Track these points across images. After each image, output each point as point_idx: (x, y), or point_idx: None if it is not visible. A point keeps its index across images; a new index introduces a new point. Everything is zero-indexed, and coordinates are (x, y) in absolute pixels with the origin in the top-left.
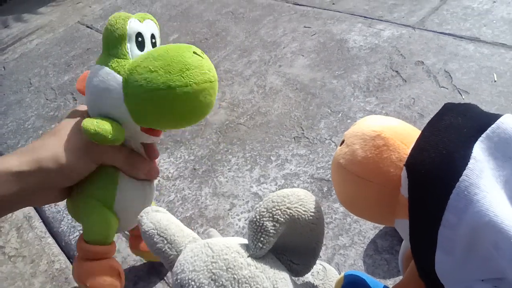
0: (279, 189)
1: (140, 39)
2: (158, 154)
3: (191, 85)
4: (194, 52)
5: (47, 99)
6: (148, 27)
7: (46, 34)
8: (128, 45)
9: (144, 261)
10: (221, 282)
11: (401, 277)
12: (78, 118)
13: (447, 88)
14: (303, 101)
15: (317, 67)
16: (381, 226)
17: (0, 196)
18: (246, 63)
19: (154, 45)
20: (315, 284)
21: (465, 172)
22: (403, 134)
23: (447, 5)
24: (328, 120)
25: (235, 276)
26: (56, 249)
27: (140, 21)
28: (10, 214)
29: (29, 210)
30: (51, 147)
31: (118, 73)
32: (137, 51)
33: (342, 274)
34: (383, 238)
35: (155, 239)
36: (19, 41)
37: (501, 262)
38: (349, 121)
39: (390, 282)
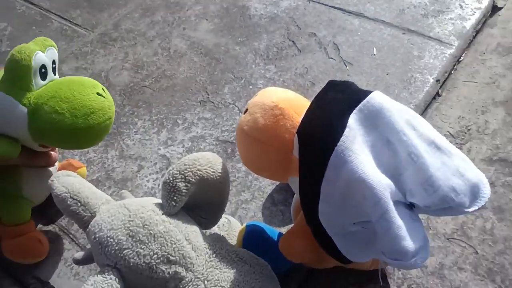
0: (186, 152)
1: (43, 70)
2: (55, 148)
3: (94, 126)
4: (98, 93)
5: None
6: (50, 55)
7: None
8: (32, 77)
9: (52, 225)
10: (138, 238)
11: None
12: None
13: (334, 59)
14: (208, 65)
15: (221, 33)
16: (277, 182)
17: None
18: (149, 23)
19: (54, 70)
20: (221, 235)
21: (342, 138)
22: (296, 105)
23: None
24: (231, 85)
25: (151, 232)
26: None
27: (43, 52)
28: None
29: None
30: None
31: (24, 104)
32: (40, 82)
33: (244, 224)
34: (279, 192)
35: (68, 202)
36: None
37: (366, 208)
38: (250, 87)
39: (285, 230)
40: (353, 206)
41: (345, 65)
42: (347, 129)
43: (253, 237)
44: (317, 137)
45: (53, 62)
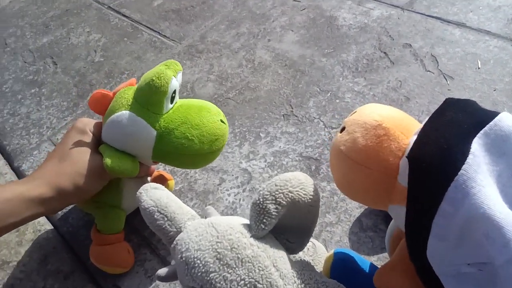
0: (268, 166)
1: (173, 94)
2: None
3: (216, 151)
4: (221, 120)
5: (25, 62)
6: (179, 79)
7: None
8: (165, 102)
9: (135, 234)
10: (225, 261)
11: (384, 254)
12: (85, 140)
13: (433, 73)
14: (292, 78)
15: (307, 44)
16: (366, 206)
17: (23, 219)
18: (234, 35)
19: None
20: (306, 260)
21: (464, 166)
22: (402, 125)
23: None
24: (317, 99)
25: (239, 256)
26: (42, 218)
27: (175, 77)
28: None
29: (12, 178)
30: (69, 174)
31: (154, 127)
32: (169, 105)
33: (332, 251)
34: (368, 217)
35: (155, 216)
36: None
37: (490, 249)
38: (337, 100)
39: (374, 259)
40: (472, 246)
41: (445, 78)
42: (470, 156)
43: (342, 267)
44: (433, 164)
45: (179, 85)
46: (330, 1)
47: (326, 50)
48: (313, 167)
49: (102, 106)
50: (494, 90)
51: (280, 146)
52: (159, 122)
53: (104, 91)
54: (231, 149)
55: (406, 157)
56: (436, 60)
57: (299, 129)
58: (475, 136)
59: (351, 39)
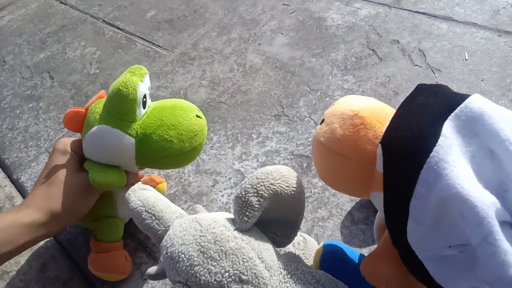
0: (260, 166)
1: (144, 99)
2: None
3: (197, 147)
4: (196, 115)
5: (23, 78)
6: (147, 83)
7: (18, 10)
8: (137, 109)
9: (131, 238)
10: (209, 254)
11: (376, 246)
12: (68, 160)
13: (420, 67)
14: (283, 79)
15: (296, 46)
16: (357, 199)
17: (19, 247)
18: (225, 41)
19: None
20: (296, 254)
21: (435, 148)
22: (379, 114)
23: None
24: (307, 98)
25: (223, 248)
26: None
27: (142, 81)
28: None
29: (11, 190)
30: (59, 196)
31: (130, 135)
32: (142, 111)
33: (322, 244)
34: (359, 210)
35: (143, 216)
36: None
37: (466, 229)
38: (327, 99)
39: (366, 251)
40: (449, 227)
41: (433, 71)
42: (441, 138)
43: (331, 258)
44: (405, 147)
45: (148, 88)
46: (319, 3)
47: (315, 51)
48: (305, 165)
49: (77, 123)
50: (482, 80)
51: (272, 146)
52: (136, 129)
53: (76, 109)
54: (224, 151)
55: (379, 143)
56: (424, 54)
57: (290, 128)
58: (446, 118)
59: (339, 39)
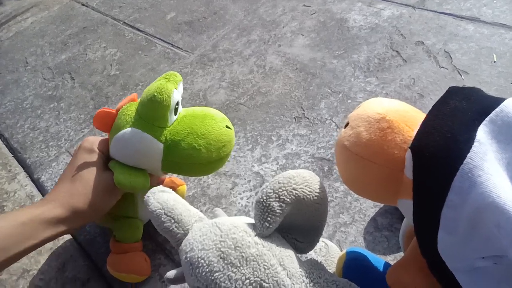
0: (280, 169)
1: (177, 106)
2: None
3: (224, 157)
4: (226, 126)
5: (44, 79)
6: (180, 90)
7: (41, 12)
8: (169, 115)
9: (149, 240)
10: (229, 260)
11: (400, 254)
12: (93, 158)
13: (446, 69)
14: (303, 81)
15: (317, 47)
16: (381, 205)
17: (42, 241)
18: (245, 42)
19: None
20: (318, 261)
21: (469, 154)
22: (406, 117)
23: None
24: (328, 100)
25: (243, 254)
26: None
27: (176, 89)
28: (13, 193)
29: (31, 189)
30: (82, 194)
31: (160, 141)
32: (173, 117)
33: (344, 250)
34: (383, 216)
35: (162, 219)
36: (13, 19)
37: (502, 240)
38: (349, 101)
39: (390, 258)
40: (483, 238)
41: (460, 74)
42: (475, 144)
43: (355, 266)
44: (437, 153)
45: (181, 95)
46: (340, 4)
47: (336, 52)
48: (326, 168)
49: (106, 124)
50: (511, 83)
51: (292, 149)
52: (165, 135)
53: (107, 109)
54: (243, 153)
55: (409, 148)
56: (450, 56)
57: (311, 130)
58: (480, 123)
59: (362, 40)
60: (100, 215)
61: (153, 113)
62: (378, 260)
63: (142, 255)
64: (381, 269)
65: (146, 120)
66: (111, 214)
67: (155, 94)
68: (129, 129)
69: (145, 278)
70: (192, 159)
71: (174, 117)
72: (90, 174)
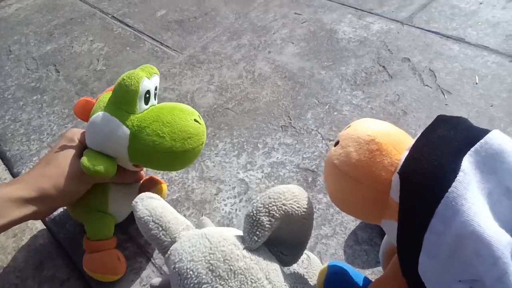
0: (265, 177)
1: (147, 95)
2: (143, 167)
3: (189, 150)
4: (195, 120)
5: (28, 69)
6: (154, 82)
7: None
8: (138, 101)
9: (131, 242)
10: (218, 273)
11: (379, 268)
12: (73, 146)
13: (430, 87)
14: (292, 90)
15: (307, 56)
16: (360, 220)
17: (10, 222)
18: (235, 46)
19: (155, 95)
20: (300, 273)
21: (454, 184)
22: (395, 140)
23: (436, 2)
24: (315, 111)
25: (232, 268)
26: (39, 224)
27: (148, 78)
28: None
29: None
30: (52, 176)
31: (127, 126)
32: (143, 106)
33: (326, 264)
34: (363, 230)
35: (150, 226)
36: None
37: (480, 267)
38: (335, 113)
39: (369, 272)
40: (462, 264)
41: (443, 93)
42: (460, 174)
43: (335, 280)
44: (424, 180)
45: (155, 88)
46: (331, 14)
47: (325, 63)
48: (310, 179)
49: (85, 112)
50: (491, 106)
51: (278, 157)
52: (132, 121)
53: (88, 98)
54: (229, 159)
55: (398, 173)
56: (434, 75)
57: (296, 140)
58: (466, 153)
59: (350, 53)
60: (69, 202)
61: (121, 97)
62: (358, 274)
63: (115, 253)
64: (361, 283)
65: (115, 105)
66: (82, 206)
67: (124, 78)
68: (100, 113)
69: (120, 277)
70: (155, 147)
71: (145, 106)
72: (64, 159)
